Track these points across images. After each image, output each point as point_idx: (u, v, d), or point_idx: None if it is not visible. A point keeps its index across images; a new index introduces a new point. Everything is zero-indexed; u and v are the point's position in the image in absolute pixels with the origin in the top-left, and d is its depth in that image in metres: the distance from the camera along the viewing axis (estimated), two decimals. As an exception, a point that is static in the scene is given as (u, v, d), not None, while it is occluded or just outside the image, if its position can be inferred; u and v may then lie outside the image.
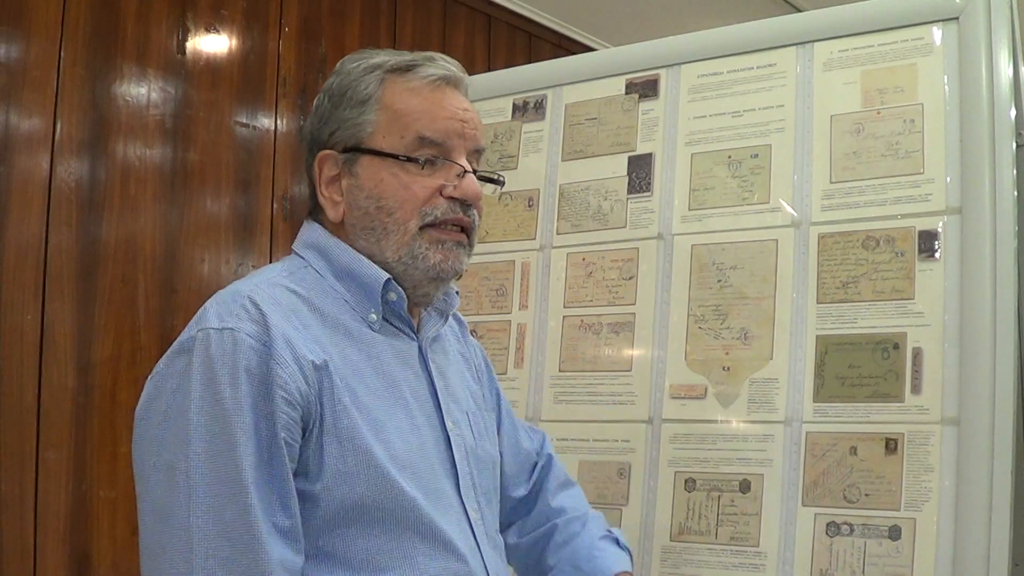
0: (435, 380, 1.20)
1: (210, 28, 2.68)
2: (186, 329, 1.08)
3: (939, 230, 1.50)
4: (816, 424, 1.53)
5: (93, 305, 2.40)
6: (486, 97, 1.95)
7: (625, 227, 1.75)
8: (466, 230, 1.19)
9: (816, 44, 1.66)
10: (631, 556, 1.35)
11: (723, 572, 1.54)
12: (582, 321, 1.75)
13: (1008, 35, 1.50)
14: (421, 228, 1.16)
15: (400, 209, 1.15)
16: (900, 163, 1.55)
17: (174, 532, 1.00)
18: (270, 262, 2.75)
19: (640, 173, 1.76)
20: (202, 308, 1.08)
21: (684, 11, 3.62)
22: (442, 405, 1.19)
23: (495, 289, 1.85)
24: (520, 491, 1.40)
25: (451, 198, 1.16)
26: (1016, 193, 1.46)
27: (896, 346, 1.49)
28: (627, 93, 1.81)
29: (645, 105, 1.79)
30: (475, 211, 1.19)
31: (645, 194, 1.75)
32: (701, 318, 1.65)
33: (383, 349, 1.15)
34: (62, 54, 2.37)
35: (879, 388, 1.49)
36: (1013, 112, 1.48)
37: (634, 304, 1.72)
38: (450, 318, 1.32)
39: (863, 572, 1.44)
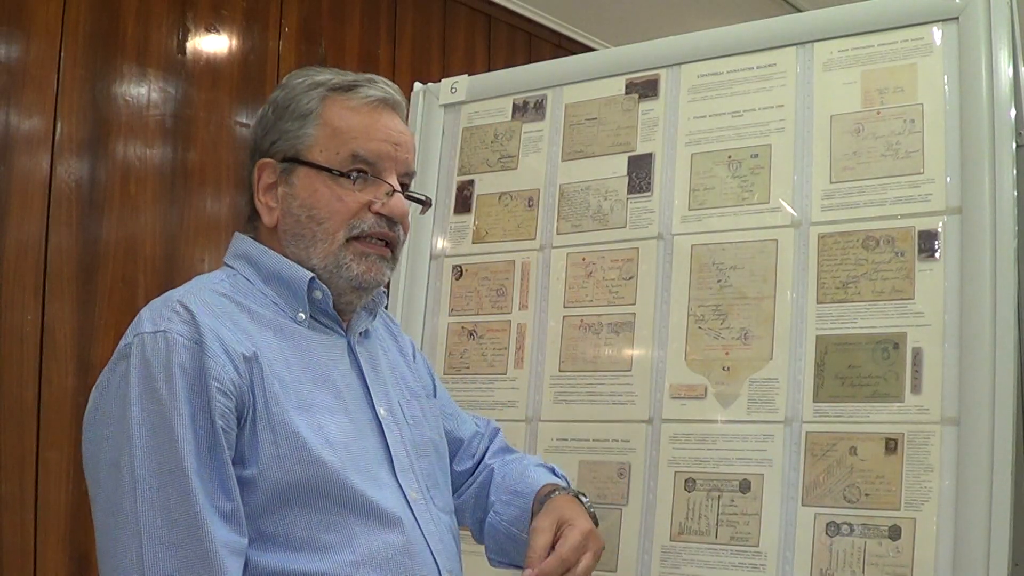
0: (365, 371, 1.26)
1: (210, 28, 2.68)
2: (123, 337, 1.14)
3: (939, 230, 1.50)
4: (816, 424, 1.53)
5: (93, 305, 2.40)
6: (486, 97, 1.95)
7: (625, 227, 1.75)
8: (391, 245, 1.26)
9: (816, 44, 1.66)
10: (568, 483, 1.40)
11: (723, 572, 1.54)
12: (582, 321, 1.75)
13: (1008, 35, 1.50)
14: (348, 240, 1.22)
15: (330, 220, 1.22)
16: (900, 163, 1.55)
17: (123, 524, 1.05)
18: (270, 262, 2.75)
19: (640, 173, 1.76)
20: (137, 317, 1.14)
21: (684, 11, 3.62)
22: (372, 394, 1.24)
23: (495, 289, 1.85)
24: (466, 464, 1.46)
25: (378, 214, 1.23)
26: (1016, 193, 1.46)
27: (896, 346, 1.49)
28: (627, 93, 1.81)
29: (645, 105, 1.79)
30: (401, 228, 1.27)
31: (645, 194, 1.75)
32: (701, 318, 1.65)
33: (312, 343, 1.21)
34: (62, 54, 2.38)
35: (879, 388, 1.49)
36: (1013, 112, 1.48)
37: (634, 304, 1.72)
38: (385, 319, 1.40)
39: (863, 572, 1.44)
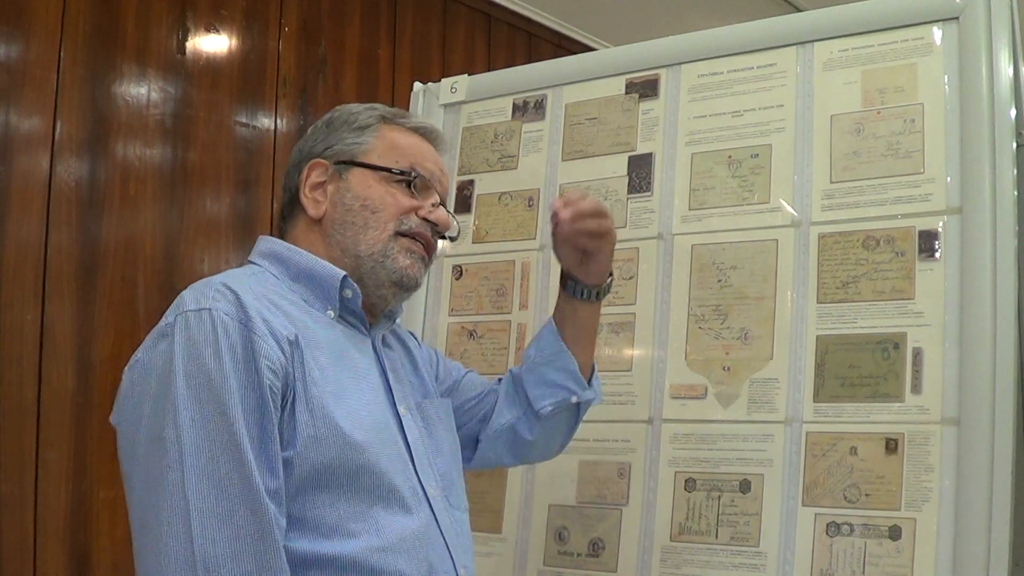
0: (387, 370, 1.29)
1: (210, 28, 2.68)
2: (163, 317, 1.14)
3: (939, 230, 1.50)
4: (816, 424, 1.53)
5: (93, 305, 2.40)
6: (486, 97, 1.95)
7: (625, 227, 1.75)
8: (429, 249, 1.32)
9: (816, 44, 1.66)
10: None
11: (723, 572, 1.54)
12: (582, 321, 1.75)
13: (1008, 35, 1.50)
14: (396, 233, 1.28)
15: (383, 210, 1.28)
16: (900, 163, 1.55)
17: (167, 497, 1.04)
18: (270, 262, 2.75)
19: (640, 173, 1.76)
20: (178, 298, 1.15)
21: (684, 11, 3.62)
22: (394, 391, 1.28)
23: (495, 289, 1.85)
24: (505, 416, 1.51)
25: (424, 219, 1.30)
26: (1016, 193, 1.46)
27: (896, 346, 1.49)
28: (627, 93, 1.81)
29: (645, 105, 1.79)
30: (439, 239, 1.34)
31: (645, 194, 1.75)
32: (701, 318, 1.65)
33: (342, 338, 1.24)
34: (62, 54, 2.38)
35: (879, 388, 1.49)
36: (1013, 112, 1.48)
37: (634, 304, 1.72)
38: (402, 334, 1.44)
39: (863, 572, 1.44)
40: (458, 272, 1.90)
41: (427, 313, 1.90)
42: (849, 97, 1.61)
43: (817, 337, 1.55)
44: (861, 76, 1.61)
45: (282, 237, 1.32)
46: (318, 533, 1.11)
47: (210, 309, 1.10)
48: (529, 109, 1.90)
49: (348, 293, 1.26)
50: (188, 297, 1.14)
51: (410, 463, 1.24)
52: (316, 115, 2.85)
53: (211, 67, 2.68)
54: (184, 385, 1.06)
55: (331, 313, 1.25)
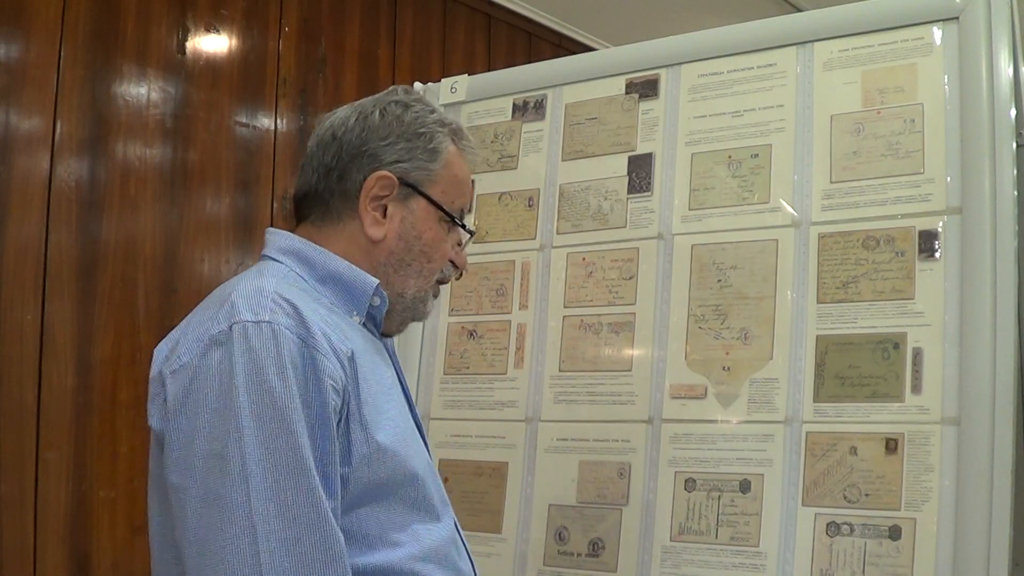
0: (402, 376, 1.30)
1: (210, 28, 2.68)
2: (211, 322, 1.09)
3: (939, 230, 1.50)
4: (816, 424, 1.53)
5: (93, 305, 2.40)
6: (486, 97, 1.95)
7: (625, 227, 1.75)
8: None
9: (816, 44, 1.66)
10: None
11: (723, 572, 1.54)
12: (582, 321, 1.75)
13: (1008, 35, 1.50)
14: (436, 281, 1.30)
15: (436, 261, 1.28)
16: (900, 163, 1.55)
17: (232, 518, 1.01)
18: (270, 262, 2.74)
19: (640, 173, 1.76)
20: (228, 303, 1.10)
21: (684, 11, 3.62)
22: (409, 398, 1.29)
23: (495, 289, 1.85)
24: None
25: (451, 261, 1.31)
26: (1016, 193, 1.46)
27: (896, 346, 1.49)
28: (627, 93, 1.81)
29: (645, 105, 1.79)
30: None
31: (645, 194, 1.75)
32: (701, 318, 1.65)
33: (369, 343, 1.23)
34: (62, 54, 2.37)
35: (879, 388, 1.49)
36: (1013, 112, 1.48)
37: (634, 304, 1.72)
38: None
39: (863, 572, 1.44)
40: (458, 272, 1.89)
41: (427, 313, 1.90)
42: (849, 97, 1.61)
43: (817, 337, 1.55)
44: (861, 76, 1.61)
45: (309, 231, 1.26)
46: (363, 544, 1.10)
47: (271, 322, 1.06)
48: (529, 109, 1.90)
49: (376, 301, 1.24)
50: (242, 305, 1.09)
51: (431, 469, 1.24)
52: (316, 115, 2.86)
53: (211, 67, 2.68)
54: (247, 401, 1.03)
55: (356, 318, 1.23)
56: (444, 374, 1.86)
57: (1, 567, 2.22)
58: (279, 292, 1.10)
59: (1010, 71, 1.49)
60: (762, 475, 1.54)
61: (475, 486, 1.78)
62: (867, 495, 1.46)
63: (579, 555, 1.66)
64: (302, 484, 1.03)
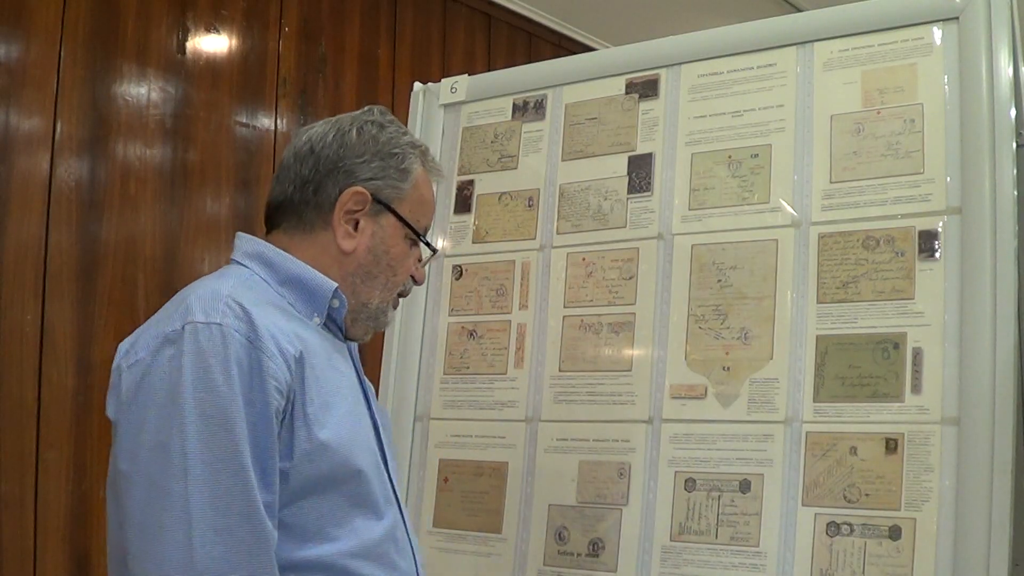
0: (362, 378, 1.36)
1: (210, 28, 2.68)
2: (166, 321, 1.17)
3: (939, 230, 1.50)
4: (816, 424, 1.52)
5: (93, 305, 2.40)
6: (486, 97, 1.95)
7: (625, 227, 1.75)
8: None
9: (816, 44, 1.66)
10: None
11: (723, 572, 1.54)
12: (582, 321, 1.75)
13: (1008, 35, 1.50)
14: (397, 294, 1.38)
15: (400, 274, 1.36)
16: (900, 163, 1.55)
17: (169, 507, 1.08)
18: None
19: (640, 173, 1.76)
20: (183, 304, 1.17)
21: (684, 11, 3.62)
22: (369, 399, 1.35)
23: (495, 289, 1.85)
24: None
25: (411, 276, 1.39)
26: (1016, 193, 1.46)
27: (896, 346, 1.49)
28: (627, 93, 1.81)
29: (645, 105, 1.79)
30: None
31: (645, 194, 1.75)
32: (701, 318, 1.65)
33: (328, 344, 1.30)
34: (62, 54, 2.38)
35: (879, 388, 1.49)
36: (1013, 112, 1.48)
37: (634, 304, 1.71)
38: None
39: (863, 572, 1.44)
40: (458, 272, 1.90)
41: (427, 313, 1.90)
42: (849, 97, 1.61)
43: (817, 337, 1.55)
44: (861, 76, 1.61)
45: (280, 238, 1.33)
46: (301, 538, 1.16)
47: (220, 324, 1.13)
48: (529, 109, 1.90)
49: (336, 303, 1.31)
50: (196, 306, 1.16)
51: (384, 467, 1.30)
52: (316, 115, 2.86)
53: (211, 67, 2.68)
54: (193, 397, 1.10)
55: (316, 320, 1.29)
56: (444, 374, 1.86)
57: (1, 567, 2.22)
58: (233, 296, 1.17)
59: (1010, 71, 1.49)
60: (762, 475, 1.54)
61: (475, 486, 1.78)
62: (867, 495, 1.46)
63: (579, 555, 1.66)
64: (238, 478, 1.10)
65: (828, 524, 1.48)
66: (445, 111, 1.98)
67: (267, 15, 2.82)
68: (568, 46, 3.73)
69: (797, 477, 1.52)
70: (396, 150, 1.34)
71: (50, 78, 2.35)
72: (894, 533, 1.44)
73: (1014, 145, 1.47)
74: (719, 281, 1.65)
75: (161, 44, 2.57)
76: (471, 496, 1.78)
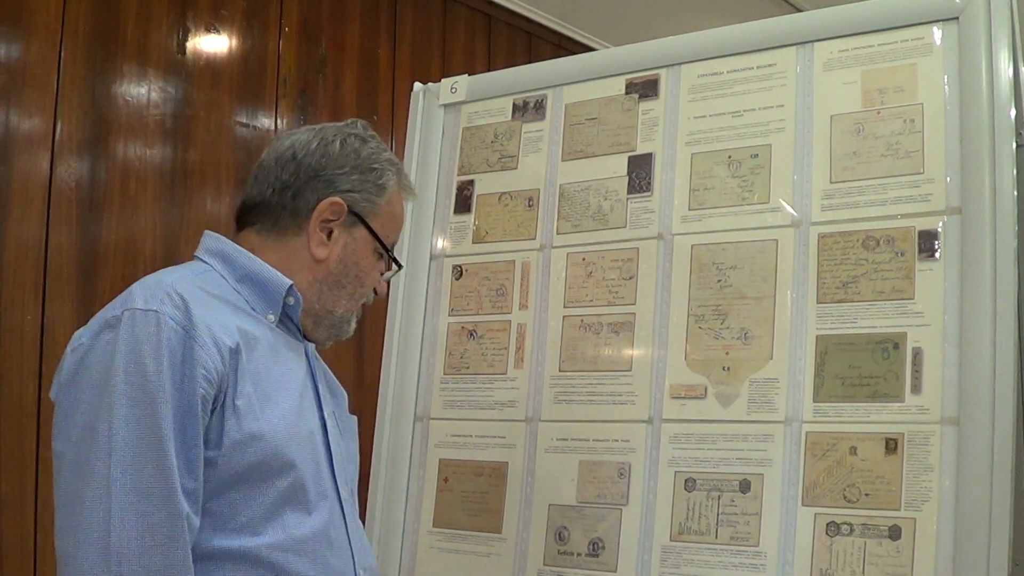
0: (316, 377, 1.37)
1: (210, 28, 2.68)
2: (109, 308, 1.20)
3: (939, 230, 1.50)
4: (816, 424, 1.53)
5: (93, 305, 2.40)
6: (486, 97, 1.95)
7: (625, 227, 1.75)
8: None
9: (816, 44, 1.66)
10: None
11: (723, 572, 1.54)
12: (582, 321, 1.75)
13: (1008, 35, 1.50)
14: (361, 305, 1.42)
15: (365, 287, 1.40)
16: (900, 163, 1.55)
17: (92, 485, 1.11)
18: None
19: (640, 173, 1.76)
20: (127, 291, 1.21)
21: (684, 11, 3.62)
22: (321, 397, 1.36)
23: (495, 289, 1.85)
24: None
25: (374, 289, 1.43)
26: (1016, 193, 1.46)
27: (896, 346, 1.49)
28: (627, 93, 1.81)
29: (645, 105, 1.79)
30: None
31: (645, 194, 1.75)
32: (701, 318, 1.65)
33: (279, 341, 1.32)
34: (62, 54, 2.37)
35: (879, 388, 1.49)
36: (1013, 112, 1.48)
37: (634, 304, 1.72)
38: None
39: (863, 572, 1.44)
40: (458, 272, 1.90)
41: (427, 313, 1.90)
42: (849, 97, 1.61)
43: (817, 337, 1.55)
44: (861, 76, 1.61)
45: (250, 238, 1.36)
46: (229, 528, 1.19)
47: (157, 311, 1.16)
48: (529, 109, 1.90)
49: (291, 301, 1.33)
50: (138, 294, 1.19)
51: (328, 466, 1.32)
52: (316, 115, 2.86)
53: (211, 67, 2.68)
54: (123, 382, 1.13)
55: (271, 318, 1.32)
56: (444, 374, 1.86)
57: (1, 567, 2.22)
58: (175, 286, 1.21)
59: (1010, 71, 1.49)
60: (762, 475, 1.55)
61: (475, 486, 1.78)
62: (867, 495, 1.46)
63: (579, 555, 1.66)
64: (160, 463, 1.12)
65: (828, 524, 1.48)
66: (445, 111, 1.98)
67: (267, 15, 2.82)
68: (568, 46, 3.73)
69: (797, 477, 1.52)
70: (376, 165, 1.38)
71: (50, 78, 2.35)
72: (894, 533, 1.44)
73: (1014, 145, 1.47)
74: (719, 281, 1.65)
75: (161, 44, 2.57)
76: (471, 496, 1.78)
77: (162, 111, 2.56)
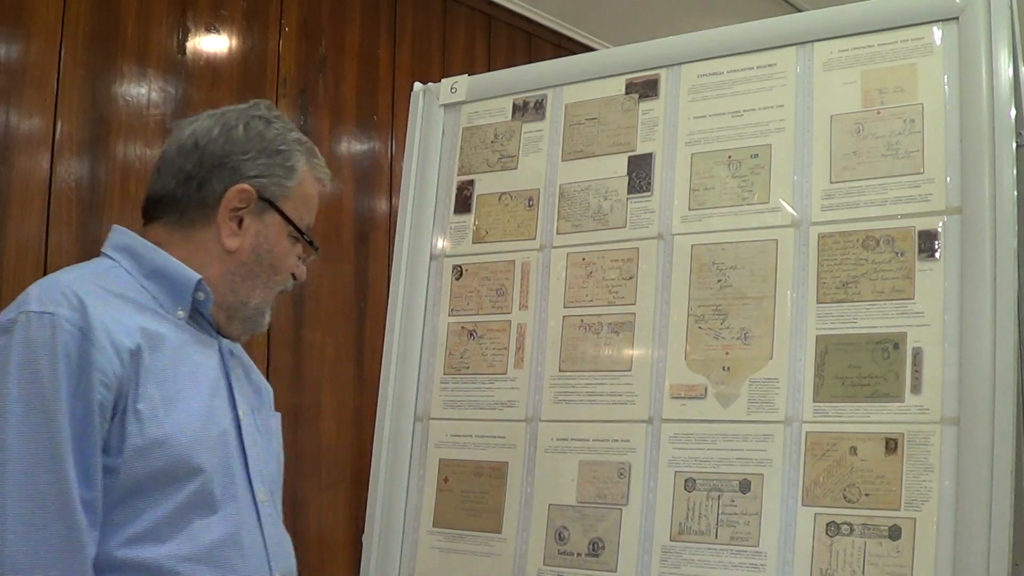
0: (231, 375, 1.32)
1: (210, 28, 2.68)
2: (6, 311, 1.16)
3: (939, 230, 1.50)
4: (816, 424, 1.53)
5: (93, 305, 2.40)
6: (486, 97, 1.95)
7: (625, 227, 1.75)
8: None
9: (816, 44, 1.66)
10: None
11: (723, 572, 1.54)
12: (582, 321, 1.75)
13: (1008, 35, 1.50)
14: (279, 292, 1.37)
15: (281, 273, 1.35)
16: (900, 163, 1.55)
17: None
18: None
19: (640, 173, 1.76)
20: (24, 292, 1.17)
21: (684, 11, 3.62)
22: (236, 395, 1.31)
23: (495, 289, 1.85)
24: None
25: (291, 275, 1.38)
26: (1016, 193, 1.46)
27: (896, 346, 1.49)
28: (627, 93, 1.81)
29: (645, 105, 1.79)
30: None
31: (645, 194, 1.75)
32: (701, 318, 1.65)
33: (189, 340, 1.27)
34: (62, 54, 2.37)
35: (879, 388, 1.49)
36: (1013, 112, 1.48)
37: (634, 304, 1.72)
38: (244, 356, 1.46)
39: (863, 572, 1.44)
40: (458, 272, 1.90)
41: (427, 313, 1.90)
42: (849, 97, 1.61)
43: (817, 337, 1.55)
44: (861, 76, 1.61)
45: (158, 232, 1.31)
46: (132, 538, 1.14)
47: (52, 314, 1.12)
48: (529, 109, 1.90)
49: (201, 296, 1.29)
50: (33, 296, 1.15)
51: (243, 467, 1.27)
52: (316, 115, 2.86)
53: (211, 67, 2.68)
54: (16, 388, 1.09)
55: (181, 314, 1.27)
56: (444, 374, 1.86)
57: (1, 567, 2.21)
58: (72, 286, 1.16)
59: (1010, 71, 1.49)
60: (762, 475, 1.55)
61: (475, 486, 1.78)
62: (867, 495, 1.46)
63: (579, 555, 1.66)
64: (56, 473, 1.08)
65: (828, 524, 1.48)
66: (445, 111, 1.98)
67: (267, 15, 2.82)
68: (568, 46, 3.73)
69: (797, 477, 1.52)
70: (282, 147, 1.33)
71: (50, 78, 2.35)
72: (894, 533, 1.44)
73: (1014, 145, 1.47)
74: (719, 281, 1.65)
75: (161, 44, 2.57)
76: (471, 496, 1.78)
77: (162, 111, 2.57)
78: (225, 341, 1.34)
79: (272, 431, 1.41)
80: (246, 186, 1.30)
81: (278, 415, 1.45)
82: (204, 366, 1.27)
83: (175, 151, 1.32)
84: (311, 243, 1.37)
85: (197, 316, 1.30)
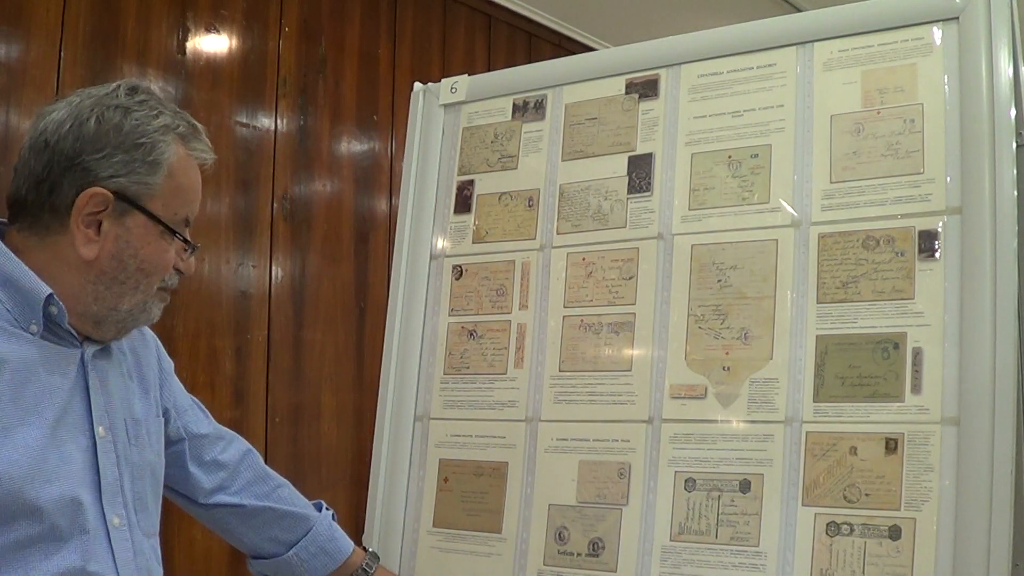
0: (91, 387, 1.21)
1: (210, 28, 2.68)
2: None
3: (939, 230, 1.50)
4: (816, 424, 1.53)
5: (93, 305, 2.40)
6: (486, 97, 1.95)
7: (625, 227, 1.75)
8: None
9: (816, 44, 1.66)
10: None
11: (723, 572, 1.54)
12: (582, 321, 1.75)
13: (1008, 35, 1.50)
14: (158, 289, 1.25)
15: (155, 274, 1.23)
16: (900, 163, 1.55)
17: None
18: (270, 262, 2.75)
19: (640, 173, 1.76)
20: None
21: (684, 11, 3.63)
22: (93, 412, 1.20)
23: (495, 289, 1.85)
24: (214, 471, 1.53)
25: (176, 268, 1.27)
26: (1016, 193, 1.46)
27: (896, 346, 1.49)
28: (627, 93, 1.81)
29: (645, 105, 1.79)
30: None
31: (645, 194, 1.75)
32: (701, 318, 1.65)
33: (36, 358, 1.15)
34: (62, 54, 2.38)
35: (879, 388, 1.49)
36: (1013, 112, 1.48)
37: (634, 304, 1.72)
38: (138, 337, 1.38)
39: (863, 572, 1.44)
40: (458, 272, 1.90)
41: (427, 313, 1.90)
42: (849, 97, 1.61)
43: (817, 337, 1.55)
44: (861, 76, 1.61)
45: (14, 238, 1.19)
46: None
47: None
48: (529, 109, 1.90)
49: (54, 311, 1.16)
50: None
51: (95, 493, 1.17)
52: (316, 115, 2.86)
53: (211, 67, 2.68)
54: None
55: (35, 328, 1.15)
56: (444, 374, 1.86)
57: (1, 567, 2.21)
58: None
59: (1010, 71, 1.49)
60: (762, 475, 1.55)
61: (475, 486, 1.78)
62: (867, 495, 1.47)
63: (579, 555, 1.66)
64: None
65: (828, 524, 1.48)
66: (445, 111, 1.98)
67: (267, 15, 2.82)
68: (568, 46, 3.73)
69: (797, 477, 1.52)
70: (142, 140, 1.18)
71: (50, 78, 2.35)
72: (894, 533, 1.44)
73: (1014, 145, 1.47)
74: (719, 281, 1.65)
75: (161, 44, 2.57)
76: (471, 496, 1.79)
77: (162, 111, 2.56)
78: (90, 350, 1.23)
79: (151, 435, 1.31)
80: (99, 189, 1.16)
81: (160, 420, 1.36)
82: (52, 387, 1.15)
83: (28, 150, 1.19)
84: (186, 241, 1.25)
85: (54, 327, 1.18)
